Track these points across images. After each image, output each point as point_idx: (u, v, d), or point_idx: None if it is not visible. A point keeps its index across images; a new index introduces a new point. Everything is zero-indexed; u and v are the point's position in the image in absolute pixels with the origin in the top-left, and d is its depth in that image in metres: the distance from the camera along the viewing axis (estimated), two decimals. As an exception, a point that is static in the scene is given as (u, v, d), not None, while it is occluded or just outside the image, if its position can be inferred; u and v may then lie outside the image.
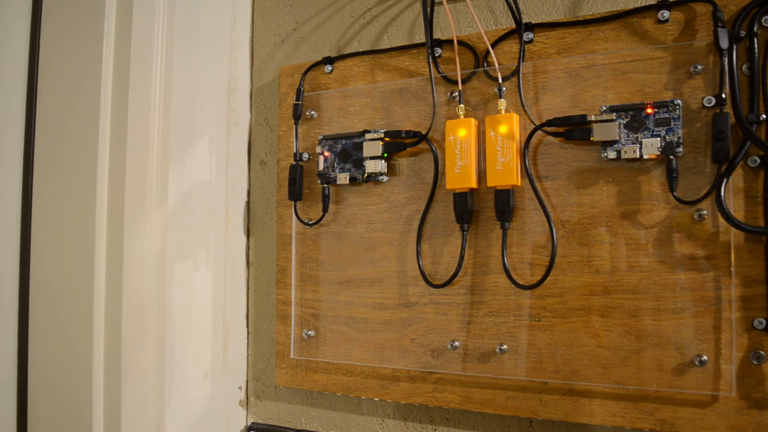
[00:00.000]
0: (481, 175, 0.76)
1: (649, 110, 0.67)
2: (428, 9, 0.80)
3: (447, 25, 0.83)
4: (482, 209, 0.76)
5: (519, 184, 0.73)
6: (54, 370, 0.84)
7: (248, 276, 0.98)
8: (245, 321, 0.97)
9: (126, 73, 0.82)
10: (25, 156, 0.87)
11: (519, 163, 0.73)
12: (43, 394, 0.85)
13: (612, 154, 0.68)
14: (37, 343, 0.86)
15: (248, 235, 0.98)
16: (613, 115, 0.68)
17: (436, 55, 0.81)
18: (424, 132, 0.79)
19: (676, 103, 0.66)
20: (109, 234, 0.82)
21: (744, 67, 0.64)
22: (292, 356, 0.88)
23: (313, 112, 0.89)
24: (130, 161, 0.82)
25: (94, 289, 0.81)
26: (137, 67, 0.82)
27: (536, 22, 0.76)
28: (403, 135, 0.80)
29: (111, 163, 0.83)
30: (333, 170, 0.85)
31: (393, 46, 0.85)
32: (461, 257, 0.76)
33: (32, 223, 0.87)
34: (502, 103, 0.74)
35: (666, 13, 0.68)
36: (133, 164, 0.82)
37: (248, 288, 0.98)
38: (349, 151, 0.84)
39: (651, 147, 0.66)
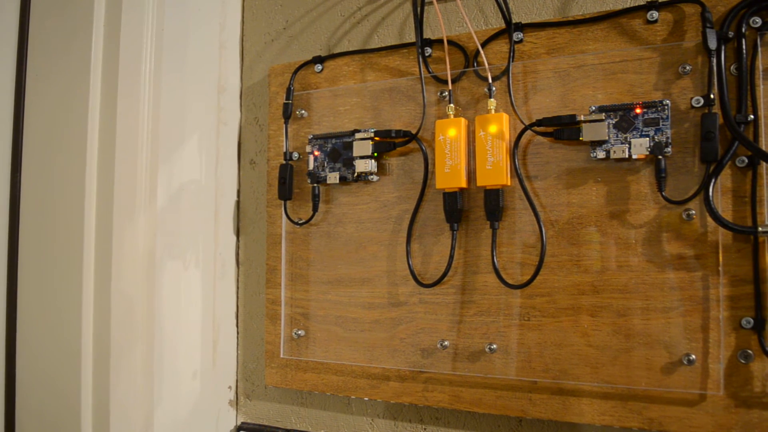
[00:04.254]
0: (471, 174, 0.76)
1: (638, 110, 0.67)
2: (418, 9, 0.80)
3: (437, 25, 0.83)
4: (472, 209, 0.76)
5: (509, 183, 0.73)
6: (42, 370, 0.84)
7: (238, 275, 0.97)
8: (235, 321, 0.97)
9: (115, 72, 0.82)
10: (13, 155, 0.87)
11: (509, 162, 0.73)
12: (32, 393, 0.84)
13: (601, 154, 0.68)
14: (26, 342, 0.85)
15: (238, 235, 0.98)
16: (603, 115, 0.68)
17: (426, 54, 0.81)
18: (414, 131, 0.79)
19: (664, 103, 0.66)
20: (97, 233, 0.82)
21: (732, 67, 0.65)
22: (281, 356, 0.88)
23: (303, 112, 0.88)
24: (119, 160, 0.81)
25: (83, 289, 0.81)
26: (126, 65, 0.82)
27: (526, 22, 0.76)
28: (393, 134, 0.80)
29: (100, 162, 0.82)
30: (323, 170, 0.85)
31: (383, 45, 0.85)
32: (451, 257, 0.76)
33: (20, 223, 0.86)
34: (492, 103, 0.74)
35: (655, 14, 0.68)
36: (122, 163, 0.81)
37: (238, 287, 0.97)
38: (339, 150, 0.83)
39: (640, 147, 0.66)
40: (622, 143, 0.67)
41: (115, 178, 0.81)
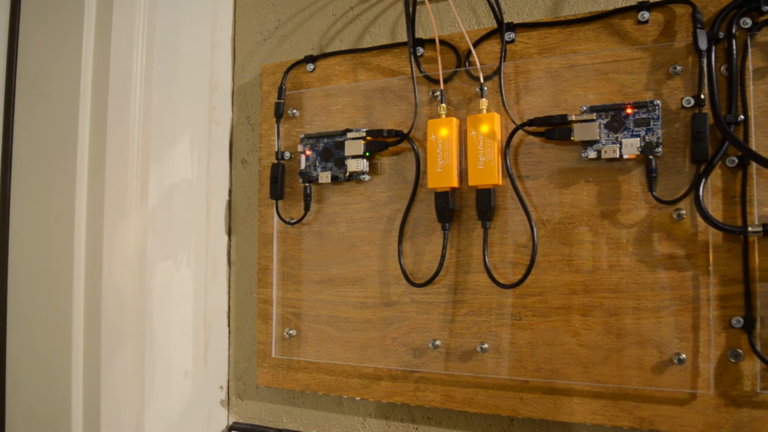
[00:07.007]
0: (463, 174, 0.76)
1: (628, 110, 0.67)
2: (410, 8, 0.80)
3: (429, 25, 0.83)
4: (464, 208, 0.76)
5: (500, 183, 0.73)
6: (33, 369, 0.83)
7: (229, 275, 0.97)
8: (226, 320, 0.97)
9: (106, 70, 0.82)
10: (3, 153, 0.86)
11: (500, 162, 0.73)
12: (22, 392, 0.84)
13: (592, 154, 0.69)
14: (16, 341, 0.85)
15: (229, 234, 0.97)
16: (594, 115, 0.68)
17: (418, 54, 0.81)
18: (405, 131, 0.79)
19: (655, 103, 0.66)
20: (88, 232, 0.81)
21: (722, 68, 0.65)
22: (273, 355, 0.88)
23: (294, 111, 0.88)
24: (110, 159, 0.81)
25: (74, 288, 0.80)
26: (117, 63, 0.81)
27: (518, 22, 0.76)
28: (385, 134, 0.80)
29: (90, 161, 0.82)
30: (315, 169, 0.84)
31: (375, 45, 0.85)
32: (442, 256, 0.76)
33: (10, 222, 0.86)
34: (484, 103, 0.74)
35: (646, 14, 0.69)
36: (113, 162, 0.81)
37: (229, 287, 0.97)
38: (330, 149, 0.83)
39: (631, 147, 0.66)
40: (613, 143, 0.68)
41: (105, 177, 0.80)
